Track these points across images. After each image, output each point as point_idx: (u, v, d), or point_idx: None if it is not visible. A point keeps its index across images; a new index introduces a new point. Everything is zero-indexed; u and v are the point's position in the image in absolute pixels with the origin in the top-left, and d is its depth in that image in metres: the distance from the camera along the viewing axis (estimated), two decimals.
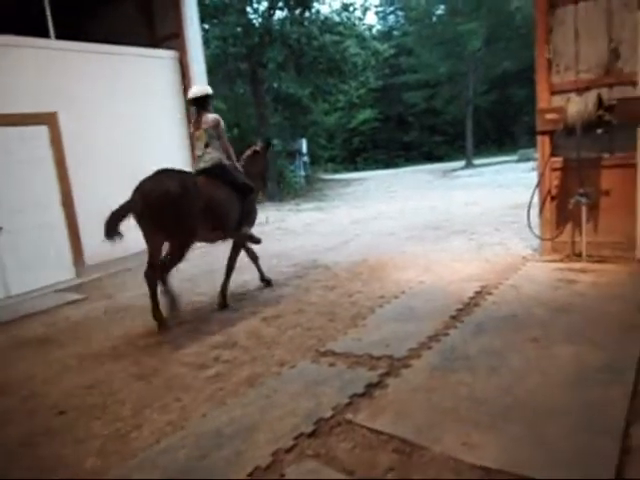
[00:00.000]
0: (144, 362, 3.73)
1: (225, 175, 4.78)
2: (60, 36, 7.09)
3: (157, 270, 4.39)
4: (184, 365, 3.58)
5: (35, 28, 6.82)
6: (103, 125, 7.43)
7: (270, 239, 8.78)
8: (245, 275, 6.06)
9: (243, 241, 5.18)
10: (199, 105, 4.88)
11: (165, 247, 4.50)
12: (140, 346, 4.08)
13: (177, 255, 4.40)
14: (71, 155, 6.95)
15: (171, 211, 4.13)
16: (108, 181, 7.43)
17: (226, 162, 4.87)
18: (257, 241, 5.26)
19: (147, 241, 4.43)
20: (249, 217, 5.12)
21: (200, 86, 5.10)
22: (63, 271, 6.86)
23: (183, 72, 8.50)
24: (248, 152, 5.48)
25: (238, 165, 5.12)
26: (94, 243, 7.12)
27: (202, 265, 6.99)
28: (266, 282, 5.51)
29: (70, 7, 8.71)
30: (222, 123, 4.86)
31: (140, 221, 4.27)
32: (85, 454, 2.58)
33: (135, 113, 7.88)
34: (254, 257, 5.50)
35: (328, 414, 2.58)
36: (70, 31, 7.45)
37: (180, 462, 2.35)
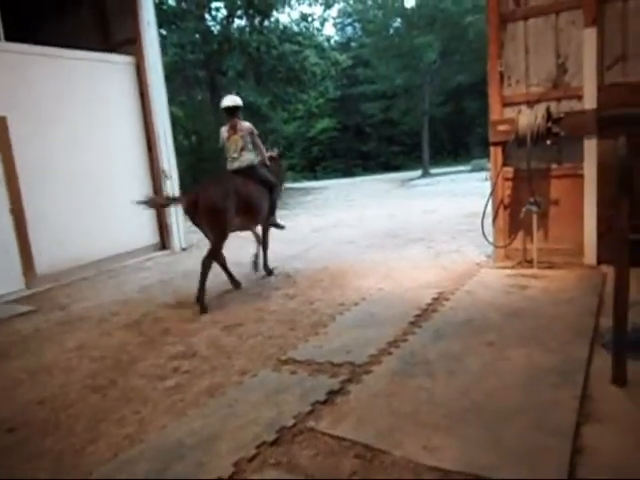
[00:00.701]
0: (100, 374, 3.62)
1: (256, 175, 5.66)
2: (13, 40, 6.85)
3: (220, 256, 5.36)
4: (142, 377, 3.49)
5: None
6: (55, 130, 7.19)
7: (230, 247, 8.69)
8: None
9: (270, 227, 6.16)
10: (230, 113, 5.67)
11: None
12: (95, 358, 3.96)
13: (219, 244, 5.22)
14: (21, 160, 6.68)
15: (215, 214, 5.02)
16: (61, 187, 7.22)
17: (256, 163, 5.72)
18: (282, 227, 6.28)
19: (204, 233, 5.36)
20: (275, 208, 6.07)
21: (232, 97, 5.80)
22: (12, 281, 6.55)
23: (140, 78, 8.36)
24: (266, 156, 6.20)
25: (267, 161, 6.03)
26: (46, 251, 6.90)
27: (156, 275, 6.88)
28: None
29: (24, 11, 8.47)
30: (255, 130, 5.74)
31: (195, 218, 5.19)
32: (36, 472, 2.48)
33: (89, 118, 7.68)
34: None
35: (290, 422, 2.57)
36: (24, 35, 7.21)
37: (139, 476, 2.28)
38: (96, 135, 7.75)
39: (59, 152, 7.23)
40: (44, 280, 6.80)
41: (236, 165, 5.59)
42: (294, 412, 2.67)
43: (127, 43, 8.33)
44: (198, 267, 6.60)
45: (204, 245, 9.15)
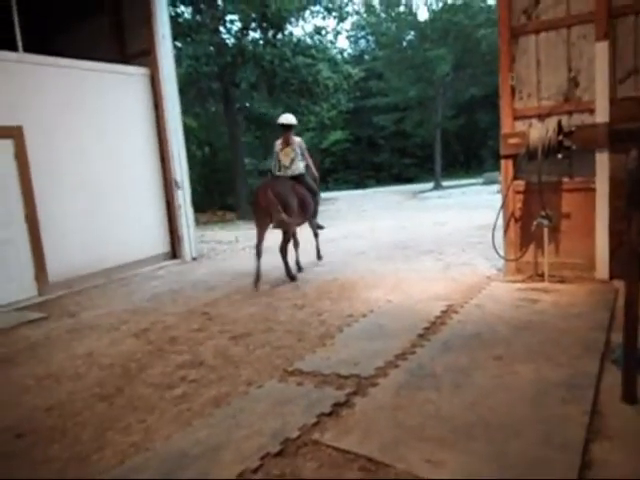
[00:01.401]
0: (107, 382, 3.64)
1: (303, 181, 6.63)
2: (30, 50, 6.99)
3: (262, 246, 6.19)
4: (149, 385, 3.50)
5: (3, 41, 6.71)
6: (70, 140, 7.31)
7: (241, 258, 8.73)
8: (215, 292, 6.01)
9: (315, 225, 7.22)
10: (286, 129, 6.64)
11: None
12: (104, 366, 3.98)
13: (290, 232, 6.28)
14: (36, 170, 6.80)
15: (284, 201, 5.95)
16: (75, 196, 7.32)
17: (304, 172, 6.70)
18: (322, 227, 7.40)
19: (259, 226, 6.21)
20: (317, 211, 7.14)
21: (287, 115, 6.79)
22: (24, 288, 6.64)
23: (154, 89, 8.48)
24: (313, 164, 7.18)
25: (315, 172, 7.07)
26: (59, 259, 6.98)
27: (167, 284, 6.91)
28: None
29: (41, 22, 8.65)
30: (304, 144, 6.78)
31: (259, 210, 6.05)
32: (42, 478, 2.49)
33: (103, 128, 7.80)
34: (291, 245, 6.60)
35: (295, 434, 2.56)
36: (41, 46, 7.36)
37: None
38: (109, 145, 7.86)
39: (72, 161, 7.34)
40: (56, 287, 6.88)
41: (289, 173, 6.55)
42: (299, 424, 2.66)
43: (142, 55, 8.46)
44: (207, 277, 6.77)
45: (215, 255, 9.25)
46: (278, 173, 6.62)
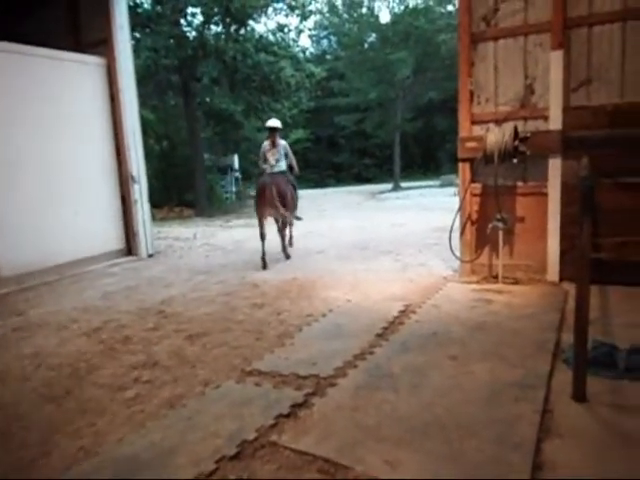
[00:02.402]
0: (55, 383, 3.48)
1: (287, 178, 7.52)
2: None
3: (265, 232, 7.11)
4: (100, 387, 3.38)
5: None
6: (19, 129, 6.96)
7: (199, 255, 8.59)
8: (171, 290, 5.88)
9: (293, 218, 7.82)
10: (273, 131, 7.46)
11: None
12: (52, 366, 3.81)
13: (290, 217, 7.40)
14: None
15: (284, 194, 7.05)
16: (24, 188, 6.98)
17: (285, 170, 7.54)
18: (300, 218, 8.02)
19: (260, 216, 7.14)
20: (296, 205, 7.91)
21: (275, 120, 7.62)
22: None
23: (111, 80, 8.21)
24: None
25: (297, 169, 7.97)
26: (6, 254, 6.65)
27: (121, 281, 6.71)
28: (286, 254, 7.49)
29: None
30: (288, 145, 7.67)
31: (263, 203, 7.00)
32: None
33: (55, 118, 7.46)
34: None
35: (252, 436, 2.52)
36: None
37: None
38: (62, 136, 7.55)
39: (23, 152, 7.00)
40: (3, 284, 6.55)
41: (276, 170, 7.38)
42: (257, 425, 2.62)
43: (98, 44, 8.15)
44: (164, 274, 6.62)
45: (172, 252, 9.06)
46: (266, 167, 7.47)
